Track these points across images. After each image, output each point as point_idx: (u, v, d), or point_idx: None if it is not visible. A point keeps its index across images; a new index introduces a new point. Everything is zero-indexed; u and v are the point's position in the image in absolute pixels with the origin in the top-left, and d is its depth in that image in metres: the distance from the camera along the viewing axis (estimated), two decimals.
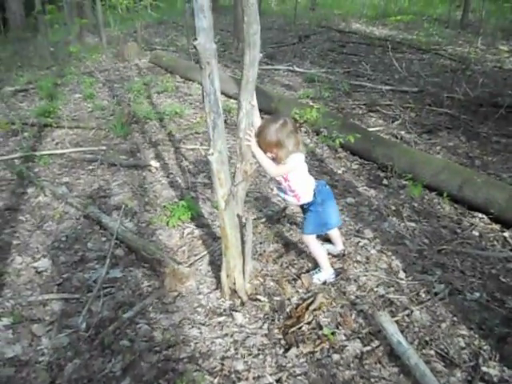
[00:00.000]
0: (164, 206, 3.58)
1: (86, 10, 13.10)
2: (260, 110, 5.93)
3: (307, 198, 2.59)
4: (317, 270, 2.76)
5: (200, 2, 1.84)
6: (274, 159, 2.41)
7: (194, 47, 1.93)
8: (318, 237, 2.86)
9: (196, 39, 1.91)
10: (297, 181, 2.53)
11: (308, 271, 2.80)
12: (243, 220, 2.42)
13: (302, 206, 2.72)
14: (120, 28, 12.57)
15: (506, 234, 3.24)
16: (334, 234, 2.88)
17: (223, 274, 2.52)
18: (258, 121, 2.44)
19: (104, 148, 4.77)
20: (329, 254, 2.91)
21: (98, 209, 3.54)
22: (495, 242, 3.18)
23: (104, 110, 6.05)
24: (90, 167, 4.37)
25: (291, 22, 12.24)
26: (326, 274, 2.71)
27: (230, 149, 3.68)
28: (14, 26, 15.31)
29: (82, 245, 3.18)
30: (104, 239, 3.23)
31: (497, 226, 3.35)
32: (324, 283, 2.69)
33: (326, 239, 2.97)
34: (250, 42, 2.02)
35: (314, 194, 2.58)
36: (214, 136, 2.14)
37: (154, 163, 4.28)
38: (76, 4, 12.40)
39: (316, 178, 2.69)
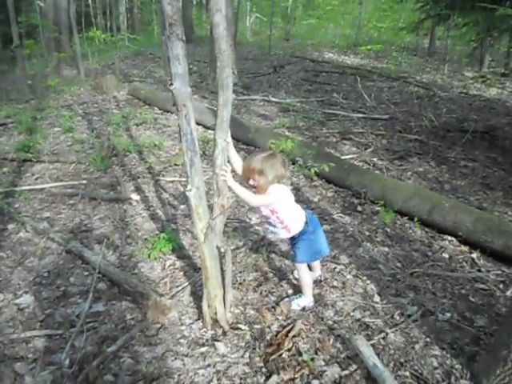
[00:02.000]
0: (145, 239, 3.64)
1: (64, 44, 13.24)
2: (238, 141, 6.10)
3: (297, 228, 2.65)
4: (297, 295, 2.85)
5: (175, 51, 2.01)
6: (255, 187, 2.51)
7: (171, 92, 2.07)
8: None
9: (172, 84, 2.06)
10: (285, 212, 2.59)
11: (288, 297, 2.89)
12: (222, 251, 2.51)
13: (291, 236, 2.75)
14: (98, 60, 12.77)
15: (474, 255, 3.41)
16: (315, 261, 2.98)
17: (204, 305, 2.59)
18: (233, 156, 2.51)
19: (84, 182, 4.82)
20: None
21: (80, 243, 3.58)
22: (464, 264, 3.34)
23: (83, 144, 6.12)
24: (71, 202, 4.41)
25: (266, 52, 12.64)
26: (306, 300, 2.81)
27: (209, 180, 3.80)
28: None
29: (64, 280, 3.20)
30: (86, 273, 3.26)
31: (465, 248, 3.52)
32: (303, 309, 2.78)
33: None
34: (223, 85, 2.16)
35: (307, 223, 2.65)
36: (191, 173, 2.26)
37: (135, 196, 4.36)
38: (53, 37, 12.53)
39: None
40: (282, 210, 2.58)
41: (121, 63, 11.95)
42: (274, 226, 2.68)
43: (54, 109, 7.90)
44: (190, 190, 2.27)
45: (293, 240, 2.75)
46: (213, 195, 2.45)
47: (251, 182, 2.50)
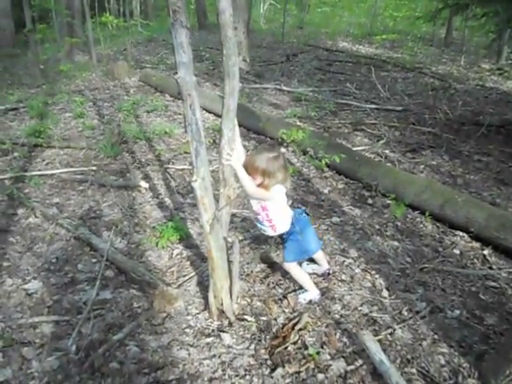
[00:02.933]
0: (153, 227, 3.64)
1: (77, 29, 13.22)
2: (248, 130, 6.04)
3: (283, 227, 2.65)
4: (303, 290, 2.84)
5: (179, 38, 1.96)
6: (258, 185, 2.48)
7: (176, 80, 2.04)
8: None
9: (177, 73, 2.02)
10: (275, 211, 2.58)
11: (294, 291, 2.87)
12: (229, 241, 2.49)
13: (281, 236, 2.76)
14: (110, 46, 12.74)
15: (486, 252, 3.35)
16: (319, 255, 2.95)
17: (210, 295, 2.58)
18: (238, 141, 2.45)
19: (94, 168, 4.83)
20: (314, 273, 3.00)
21: (89, 230, 3.59)
22: (475, 260, 3.29)
23: (94, 130, 6.12)
24: (81, 188, 4.42)
25: (279, 40, 12.49)
26: (312, 294, 2.79)
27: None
28: (4, 43, 15.35)
29: (72, 266, 3.22)
30: (94, 260, 3.27)
31: (477, 244, 3.46)
32: (309, 302, 2.76)
33: (311, 259, 3.05)
34: (230, 73, 2.12)
35: (292, 223, 2.64)
36: (197, 163, 2.23)
37: (144, 184, 4.35)
38: (66, 22, 12.51)
39: (302, 199, 2.77)
40: (273, 209, 2.57)
41: (133, 49, 11.90)
42: (261, 223, 2.68)
43: (65, 94, 7.91)
44: (196, 180, 2.25)
45: (282, 239, 2.76)
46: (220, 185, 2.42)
47: (252, 180, 2.46)
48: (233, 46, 2.05)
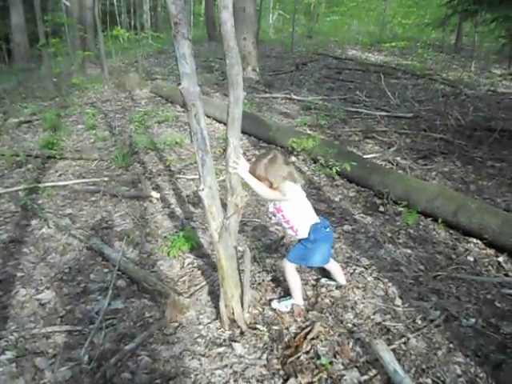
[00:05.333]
0: (165, 237, 3.65)
1: (88, 42, 13.46)
2: (259, 139, 6.07)
3: (304, 232, 2.61)
4: (287, 297, 2.81)
5: (181, 50, 2.00)
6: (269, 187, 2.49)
7: (180, 91, 2.07)
8: (323, 271, 2.96)
9: (180, 84, 2.06)
10: (290, 212, 2.57)
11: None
12: (241, 250, 2.49)
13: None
14: (121, 58, 12.93)
15: (501, 259, 3.30)
16: (334, 268, 2.92)
17: (222, 304, 2.57)
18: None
19: (106, 179, 4.87)
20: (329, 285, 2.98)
21: (101, 240, 3.62)
22: (490, 267, 3.23)
23: (106, 141, 6.19)
24: (93, 198, 4.46)
25: (289, 49, 12.56)
26: (296, 303, 2.76)
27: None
28: (19, 57, 15.72)
29: (84, 276, 3.24)
30: (106, 270, 3.29)
31: (491, 251, 3.41)
32: (321, 311, 2.73)
33: (327, 276, 3.02)
34: (233, 82, 2.13)
35: (309, 231, 2.60)
36: (203, 172, 2.25)
37: (155, 194, 4.38)
38: (79, 36, 12.75)
39: (313, 207, 2.71)
40: (288, 209, 2.56)
41: (144, 61, 12.05)
42: (282, 225, 2.69)
43: (77, 106, 8.03)
44: (203, 189, 2.27)
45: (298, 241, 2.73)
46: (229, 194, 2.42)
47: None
48: (236, 56, 2.07)
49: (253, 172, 2.45)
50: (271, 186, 2.47)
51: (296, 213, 2.59)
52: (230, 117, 2.21)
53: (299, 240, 2.68)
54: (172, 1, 1.92)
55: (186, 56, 2.01)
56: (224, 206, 2.41)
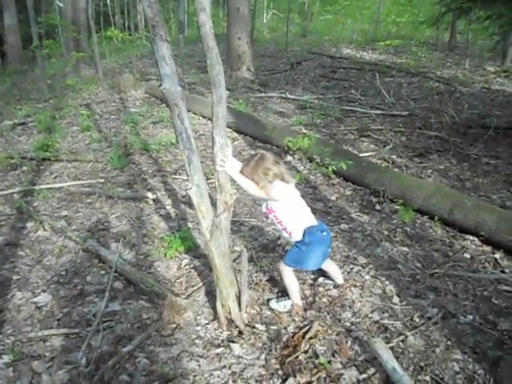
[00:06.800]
0: (161, 238, 3.64)
1: (82, 43, 13.41)
2: (254, 139, 6.05)
3: (298, 235, 2.59)
4: (285, 298, 2.80)
5: (160, 52, 2.04)
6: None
7: (161, 92, 2.10)
8: (321, 270, 2.94)
9: (161, 85, 2.09)
10: (283, 213, 2.54)
11: (302, 299, 2.83)
12: (237, 250, 2.49)
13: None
14: (116, 59, 12.88)
15: (497, 256, 3.31)
16: (331, 268, 2.92)
17: (218, 304, 2.57)
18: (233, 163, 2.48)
19: (102, 181, 4.86)
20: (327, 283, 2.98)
21: (97, 242, 3.60)
22: (486, 264, 3.24)
23: (101, 143, 6.17)
24: (89, 200, 4.45)
25: (283, 49, 12.55)
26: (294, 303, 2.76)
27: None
28: (12, 59, 15.63)
29: (81, 278, 3.22)
30: (103, 272, 3.28)
31: (488, 248, 3.42)
32: (319, 311, 2.73)
33: (325, 275, 3.01)
34: (215, 82, 2.14)
35: (304, 233, 2.57)
36: (190, 171, 2.27)
37: (151, 195, 4.36)
38: (72, 37, 12.70)
39: (310, 206, 2.70)
40: (280, 210, 2.54)
41: (138, 62, 12.01)
42: (276, 226, 2.68)
43: (72, 108, 8.00)
44: (191, 188, 2.28)
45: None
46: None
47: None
48: (216, 56, 2.09)
49: (244, 175, 2.46)
50: (263, 186, 2.45)
51: (288, 213, 2.56)
52: (215, 116, 2.22)
53: (295, 243, 2.65)
54: (148, 4, 1.97)
55: (165, 57, 2.05)
56: (215, 204, 2.40)
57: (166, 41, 2.03)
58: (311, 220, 2.63)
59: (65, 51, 12.49)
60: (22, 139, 6.60)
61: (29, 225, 4.00)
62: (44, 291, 3.09)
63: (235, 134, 6.08)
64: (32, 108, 8.33)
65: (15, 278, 3.26)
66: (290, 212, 2.56)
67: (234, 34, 9.50)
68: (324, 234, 2.61)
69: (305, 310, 2.74)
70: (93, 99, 8.89)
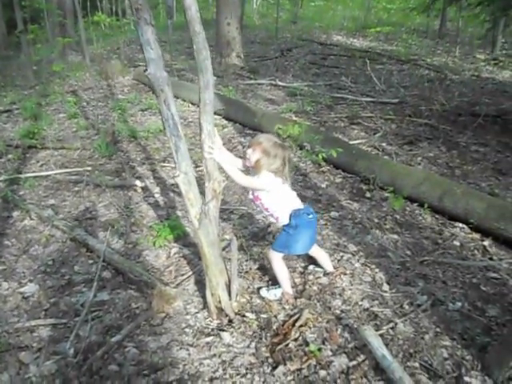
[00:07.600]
0: (150, 226, 3.61)
1: (69, 28, 13.14)
2: (244, 126, 6.00)
3: (285, 219, 2.58)
4: (276, 286, 2.79)
5: (145, 36, 1.99)
6: (251, 165, 2.45)
7: (147, 77, 2.06)
8: (311, 258, 2.93)
9: (146, 70, 2.04)
10: (269, 201, 2.53)
11: (292, 287, 2.82)
12: (227, 238, 2.46)
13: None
14: (103, 45, 12.66)
15: (486, 243, 3.33)
16: (321, 255, 2.90)
17: (208, 293, 2.55)
18: (231, 160, 2.50)
19: (89, 169, 4.78)
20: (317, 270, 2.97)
21: (85, 231, 3.55)
22: (475, 251, 3.26)
23: (88, 130, 6.07)
24: (76, 189, 4.38)
25: (273, 35, 12.43)
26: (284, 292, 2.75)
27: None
28: None
29: (68, 268, 3.18)
30: (91, 262, 3.24)
31: (477, 235, 3.44)
32: (309, 299, 2.73)
33: (315, 263, 2.99)
34: (202, 67, 2.08)
35: (290, 217, 2.56)
36: (178, 158, 2.24)
37: (139, 183, 4.31)
38: (58, 22, 12.43)
39: (300, 194, 2.69)
40: (267, 199, 2.53)
41: (126, 48, 11.82)
42: (262, 212, 2.67)
43: (58, 95, 7.85)
44: (178, 175, 2.25)
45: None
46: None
47: (248, 155, 2.44)
48: (202, 41, 2.02)
49: (258, 137, 2.47)
50: (258, 159, 2.40)
51: (275, 201, 2.54)
52: (202, 102, 2.17)
53: (283, 227, 2.64)
54: None
55: (150, 42, 2.01)
56: (203, 192, 2.36)
57: (151, 25, 1.98)
58: (297, 203, 2.62)
59: (50, 37, 12.23)
60: (8, 126, 6.47)
61: (15, 214, 3.93)
62: (31, 281, 3.05)
63: (225, 121, 6.01)
64: (17, 95, 8.16)
65: (1, 268, 3.20)
66: (276, 200, 2.55)
67: (224, 20, 9.37)
68: (310, 216, 2.60)
69: (295, 298, 2.74)
70: (80, 86, 8.73)
